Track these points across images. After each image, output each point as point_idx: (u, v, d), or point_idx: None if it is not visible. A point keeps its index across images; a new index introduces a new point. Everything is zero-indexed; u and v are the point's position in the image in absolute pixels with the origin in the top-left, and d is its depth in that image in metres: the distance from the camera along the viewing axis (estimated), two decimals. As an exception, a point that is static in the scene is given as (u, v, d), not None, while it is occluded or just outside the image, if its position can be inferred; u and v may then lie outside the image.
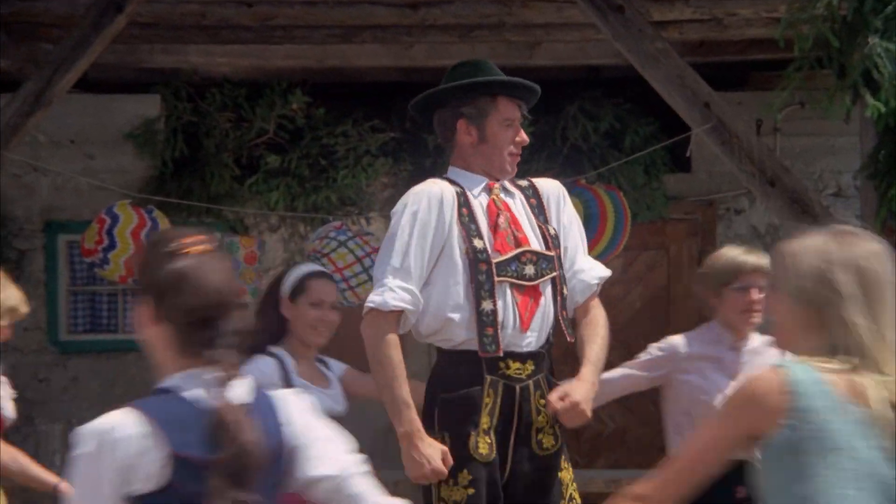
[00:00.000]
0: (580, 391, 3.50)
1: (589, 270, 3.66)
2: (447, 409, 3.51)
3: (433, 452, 3.39)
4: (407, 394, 3.45)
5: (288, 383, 3.90)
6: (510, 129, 3.61)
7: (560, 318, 3.59)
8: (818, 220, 5.32)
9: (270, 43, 6.64)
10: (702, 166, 7.51)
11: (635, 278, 7.61)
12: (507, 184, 3.68)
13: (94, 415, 2.43)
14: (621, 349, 7.53)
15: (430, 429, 3.51)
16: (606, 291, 7.69)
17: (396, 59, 6.99)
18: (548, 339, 3.60)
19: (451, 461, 3.40)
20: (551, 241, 3.60)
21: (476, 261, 3.49)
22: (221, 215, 7.21)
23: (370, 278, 6.22)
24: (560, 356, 3.83)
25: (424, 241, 3.50)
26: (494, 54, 6.79)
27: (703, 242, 7.62)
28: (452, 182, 3.64)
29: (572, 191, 6.58)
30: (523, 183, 3.71)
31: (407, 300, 3.47)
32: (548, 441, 3.53)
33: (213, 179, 7.14)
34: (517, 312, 3.50)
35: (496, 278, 3.49)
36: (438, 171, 6.96)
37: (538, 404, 3.52)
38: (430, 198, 3.55)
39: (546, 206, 3.66)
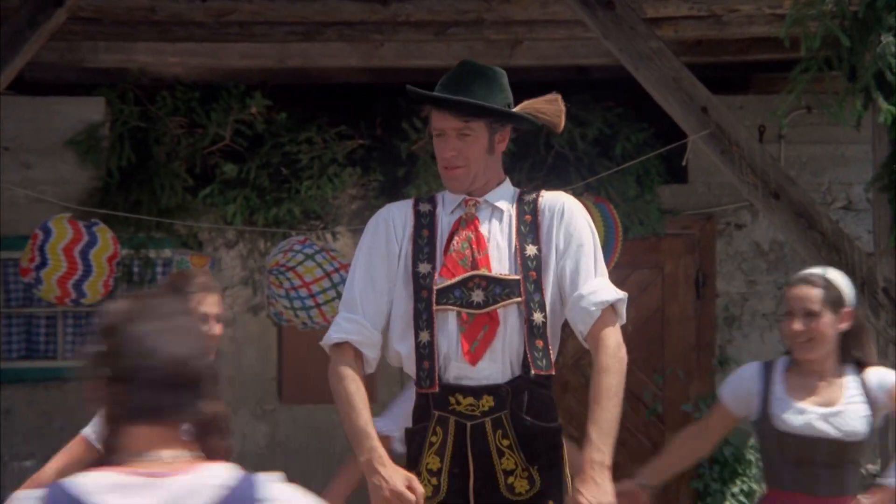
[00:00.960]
0: (591, 496, 3.36)
1: (589, 295, 3.51)
2: (406, 444, 3.58)
3: (393, 474, 3.38)
4: (366, 422, 3.46)
5: None
6: (440, 139, 3.58)
7: (528, 348, 3.48)
8: (827, 235, 5.31)
9: (226, 41, 6.60)
10: (699, 177, 7.50)
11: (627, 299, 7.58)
12: (506, 199, 3.61)
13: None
14: (612, 377, 7.53)
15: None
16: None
17: (365, 58, 6.96)
18: (523, 372, 3.50)
19: (420, 489, 3.38)
20: (522, 263, 3.51)
21: (418, 287, 3.49)
22: (173, 230, 7.15)
23: (339, 295, 6.21)
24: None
25: (372, 268, 3.55)
26: (473, 53, 6.77)
27: (702, 260, 7.60)
28: (430, 201, 3.63)
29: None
30: (528, 197, 3.64)
31: (348, 330, 3.52)
32: (521, 485, 3.46)
33: (163, 191, 7.08)
34: (460, 343, 3.45)
35: (435, 307, 3.46)
36: (411, 182, 7.01)
37: (500, 444, 3.45)
38: (377, 222, 3.63)
39: (539, 224, 3.58)
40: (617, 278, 7.41)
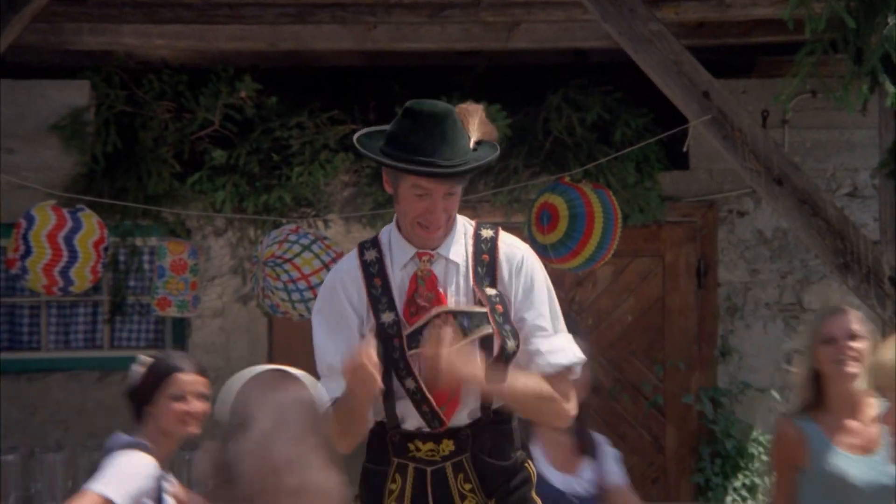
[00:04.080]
0: (459, 355, 3.30)
1: (547, 354, 3.46)
2: (364, 479, 3.54)
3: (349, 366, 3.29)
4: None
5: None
6: (423, 199, 3.38)
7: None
8: (831, 223, 5.30)
9: (215, 23, 6.58)
10: (701, 163, 7.49)
11: (626, 288, 7.57)
12: (460, 242, 3.49)
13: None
14: (611, 369, 7.53)
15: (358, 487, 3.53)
16: (594, 303, 7.59)
17: (358, 41, 6.94)
18: (483, 414, 3.46)
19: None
20: (485, 299, 3.44)
21: (387, 337, 3.40)
22: (160, 218, 7.13)
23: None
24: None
25: (337, 332, 3.45)
26: (469, 36, 6.76)
27: (703, 249, 7.59)
28: (374, 246, 3.52)
29: (555, 189, 6.61)
30: (486, 233, 3.52)
31: (340, 387, 3.39)
32: None
33: (150, 177, 7.07)
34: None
35: (408, 353, 3.39)
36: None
37: (462, 489, 3.44)
38: (330, 291, 3.52)
39: (497, 268, 3.48)
40: (616, 267, 7.47)
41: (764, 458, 7.25)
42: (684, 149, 6.18)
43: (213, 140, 7.19)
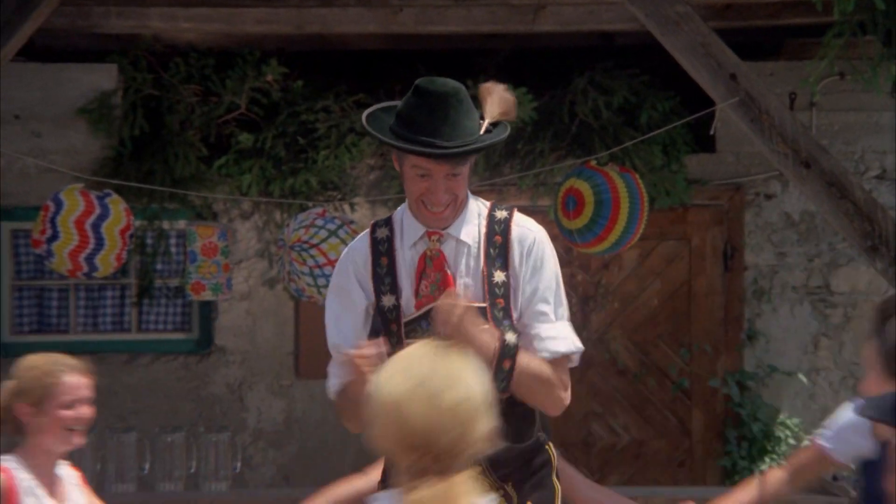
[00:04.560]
0: (472, 314, 3.30)
1: (546, 340, 3.45)
2: (385, 471, 3.53)
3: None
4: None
5: None
6: (424, 179, 3.38)
7: (494, 372, 3.40)
8: (859, 205, 5.28)
9: (242, 6, 6.58)
10: (728, 146, 7.47)
11: (653, 272, 7.57)
12: (472, 222, 3.49)
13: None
14: (637, 352, 7.52)
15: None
16: (621, 286, 7.60)
17: (383, 24, 6.93)
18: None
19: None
20: (489, 290, 3.44)
21: (386, 321, 3.43)
22: (187, 201, 7.16)
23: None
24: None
25: (345, 312, 3.49)
26: (494, 19, 6.74)
27: (730, 232, 7.58)
28: (387, 224, 3.53)
29: (581, 174, 6.60)
30: (500, 214, 3.52)
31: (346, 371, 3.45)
32: None
33: (177, 161, 7.09)
34: None
35: (405, 340, 3.38)
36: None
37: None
38: (343, 269, 3.55)
39: (509, 250, 3.48)
40: (643, 250, 7.47)
41: (791, 441, 7.24)
42: (711, 132, 6.17)
43: (239, 124, 7.21)
